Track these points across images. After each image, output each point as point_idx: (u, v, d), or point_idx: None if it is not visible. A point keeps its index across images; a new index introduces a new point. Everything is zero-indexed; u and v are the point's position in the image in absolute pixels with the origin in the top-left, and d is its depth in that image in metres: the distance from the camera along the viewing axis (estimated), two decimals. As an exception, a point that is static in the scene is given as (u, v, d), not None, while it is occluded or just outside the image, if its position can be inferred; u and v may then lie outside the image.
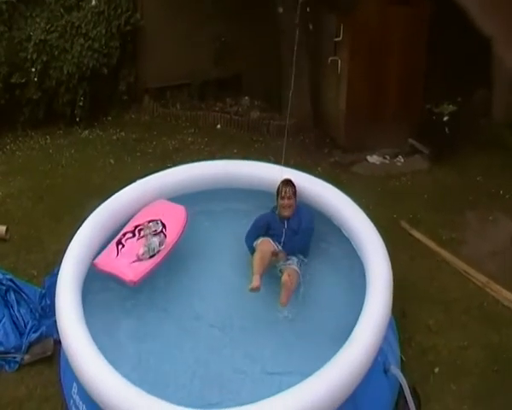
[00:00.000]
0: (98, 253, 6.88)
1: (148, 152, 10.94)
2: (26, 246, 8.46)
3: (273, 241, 7.04)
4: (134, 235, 7.00)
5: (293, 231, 7.10)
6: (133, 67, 12.09)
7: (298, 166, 7.96)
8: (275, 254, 6.94)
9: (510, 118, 10.59)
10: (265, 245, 6.97)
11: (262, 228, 7.19)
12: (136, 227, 7.08)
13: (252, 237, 7.15)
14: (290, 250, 7.02)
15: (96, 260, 6.74)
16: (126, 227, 7.14)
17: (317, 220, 7.25)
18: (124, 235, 7.04)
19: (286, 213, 7.17)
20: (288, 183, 7.23)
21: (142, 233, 6.95)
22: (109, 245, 6.97)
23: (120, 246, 6.92)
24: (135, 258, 6.74)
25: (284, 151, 7.45)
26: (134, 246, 6.88)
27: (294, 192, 7.21)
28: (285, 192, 7.17)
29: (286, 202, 7.15)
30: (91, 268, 6.66)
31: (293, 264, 6.88)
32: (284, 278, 6.60)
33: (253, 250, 7.03)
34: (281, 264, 6.92)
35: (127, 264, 6.70)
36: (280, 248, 7.01)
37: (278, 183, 7.25)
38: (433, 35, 10.31)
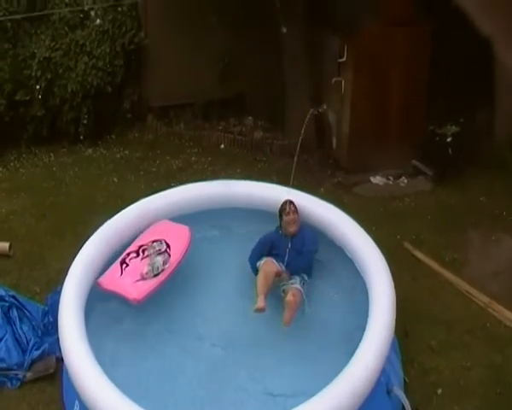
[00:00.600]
0: (101, 271, 6.89)
1: (151, 171, 10.95)
2: (29, 263, 8.46)
3: (276, 261, 7.04)
4: (138, 255, 7.01)
5: (297, 250, 7.09)
6: (137, 85, 12.15)
7: (301, 187, 7.96)
8: (278, 274, 6.94)
9: (512, 138, 10.62)
10: (269, 266, 6.96)
11: (266, 247, 7.19)
12: (140, 247, 7.08)
13: (255, 256, 7.15)
14: (293, 270, 7.01)
15: (100, 280, 6.75)
16: (130, 247, 7.14)
17: (320, 241, 7.24)
18: (128, 255, 7.05)
19: (292, 228, 7.15)
20: (288, 201, 7.25)
21: (146, 253, 6.97)
22: (113, 265, 6.97)
23: (124, 265, 6.92)
24: (139, 277, 6.75)
25: (293, 172, 7.46)
26: (138, 265, 6.88)
27: (296, 208, 7.21)
28: (289, 208, 7.17)
29: (291, 216, 7.15)
30: (94, 287, 6.66)
31: (296, 283, 6.87)
32: (289, 298, 6.60)
33: (256, 271, 7.03)
34: (284, 284, 6.92)
35: (131, 283, 6.70)
36: (283, 267, 7.02)
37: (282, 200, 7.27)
38: (435, 56, 10.34)
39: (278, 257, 7.08)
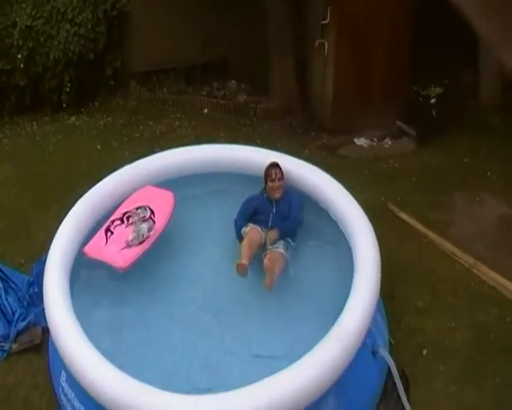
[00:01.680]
0: (85, 239, 6.88)
1: (135, 137, 10.91)
2: (13, 234, 8.44)
3: (260, 227, 7.04)
4: (122, 222, 7.01)
5: (281, 215, 7.09)
6: (119, 52, 12.03)
7: (285, 149, 7.96)
8: (262, 244, 6.96)
9: (497, 100, 10.61)
10: (253, 233, 6.96)
11: (250, 210, 7.17)
12: (124, 214, 7.07)
13: (240, 221, 7.14)
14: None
15: (86, 248, 6.74)
16: (114, 214, 7.13)
17: (305, 203, 7.25)
18: (112, 222, 7.04)
19: (277, 194, 7.14)
20: (275, 165, 7.20)
21: (130, 220, 6.95)
22: (98, 233, 6.96)
23: (109, 233, 6.92)
24: (124, 245, 6.75)
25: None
26: (123, 233, 6.88)
27: (282, 174, 7.18)
28: (275, 174, 7.13)
29: (277, 183, 7.13)
30: (78, 255, 6.66)
31: (279, 247, 6.88)
32: (265, 262, 6.63)
33: (240, 237, 7.05)
34: (267, 247, 6.93)
35: (116, 251, 6.71)
36: (265, 233, 7.03)
37: (265, 166, 7.24)
38: (419, 17, 10.29)
39: (262, 222, 7.08)
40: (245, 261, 6.53)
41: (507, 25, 1.21)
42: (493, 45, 1.28)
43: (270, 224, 7.04)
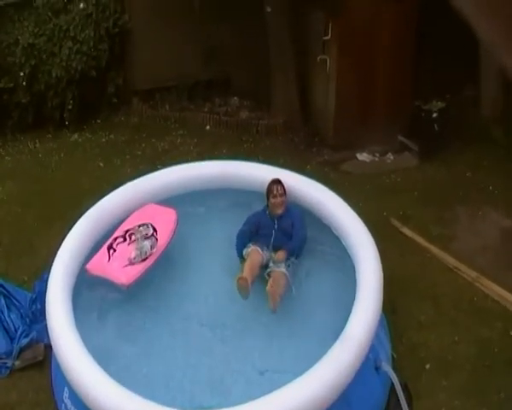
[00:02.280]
0: (88, 257, 6.89)
1: (137, 154, 10.92)
2: (17, 251, 8.46)
3: (262, 246, 7.04)
4: (125, 239, 7.00)
5: (284, 231, 7.10)
6: (122, 69, 12.06)
7: (287, 165, 7.98)
8: (264, 264, 6.97)
9: (498, 113, 10.61)
10: (255, 255, 6.95)
11: (253, 228, 7.17)
12: (126, 232, 7.07)
13: (242, 239, 7.14)
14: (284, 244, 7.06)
15: (88, 265, 6.74)
16: (117, 232, 7.13)
17: (307, 219, 7.26)
18: (115, 239, 7.04)
19: (279, 210, 7.14)
20: (277, 181, 7.21)
21: (132, 237, 6.96)
22: (100, 250, 6.95)
23: (112, 251, 6.91)
24: (127, 262, 6.74)
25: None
26: (125, 250, 6.88)
27: (284, 190, 7.18)
28: (277, 190, 7.14)
29: (278, 200, 7.13)
30: (81, 272, 6.66)
31: (281, 267, 6.87)
32: (268, 288, 6.57)
33: (242, 257, 7.06)
34: (270, 266, 6.93)
35: (119, 268, 6.70)
36: (269, 252, 7.04)
37: (267, 182, 7.23)
38: (421, 32, 10.32)
39: (264, 239, 7.08)
40: (245, 274, 6.54)
41: (507, 27, 1.22)
42: (494, 48, 1.29)
43: (272, 241, 7.04)
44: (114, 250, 6.91)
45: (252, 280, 6.60)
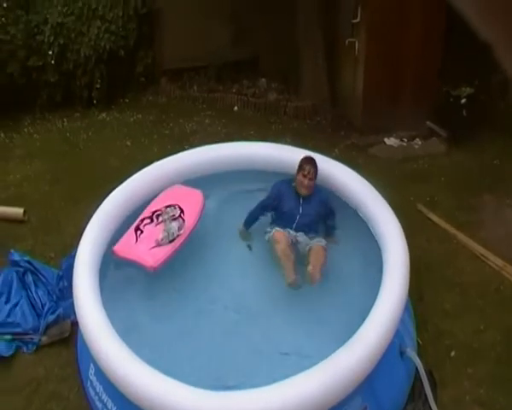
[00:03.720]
0: (115, 235, 6.90)
1: (165, 134, 10.94)
2: (44, 228, 8.50)
3: (284, 229, 7.02)
4: (152, 221, 6.98)
5: (307, 218, 7.07)
6: (150, 49, 12.10)
7: (315, 148, 7.93)
8: (294, 243, 6.96)
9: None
10: (281, 238, 6.89)
11: (276, 202, 7.14)
12: (153, 213, 7.05)
13: (259, 211, 7.20)
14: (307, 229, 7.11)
15: (115, 247, 6.73)
16: (144, 213, 7.12)
17: (335, 203, 7.27)
18: (142, 221, 7.02)
19: (304, 191, 7.04)
20: (312, 161, 7.05)
21: (160, 219, 6.93)
22: (127, 231, 6.94)
23: (139, 232, 6.89)
24: (154, 244, 6.71)
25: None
26: (153, 232, 6.87)
27: (316, 173, 7.06)
28: (308, 171, 6.99)
29: (307, 182, 6.99)
30: (108, 250, 6.68)
31: (321, 241, 6.93)
32: (309, 270, 6.57)
33: (250, 223, 7.17)
34: (309, 243, 6.95)
35: (147, 250, 6.67)
36: (292, 232, 7.03)
37: (297, 162, 7.12)
38: (450, 16, 10.22)
39: (287, 221, 7.06)
40: (292, 276, 6.53)
41: (507, 32, 1.20)
42: (496, 50, 1.27)
43: (294, 226, 7.04)
44: (142, 232, 6.90)
45: (295, 271, 6.61)
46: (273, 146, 8.08)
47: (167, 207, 7.02)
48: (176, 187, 7.46)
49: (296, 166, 7.08)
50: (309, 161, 7.07)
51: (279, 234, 6.91)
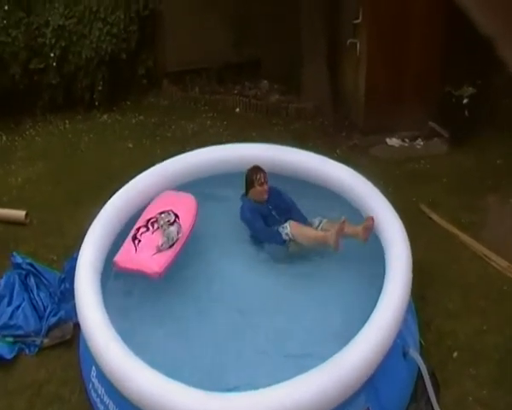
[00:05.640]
0: (117, 237, 6.90)
1: (167, 136, 10.93)
2: (46, 231, 8.49)
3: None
4: (148, 228, 6.92)
5: (281, 208, 7.21)
6: (152, 51, 12.09)
7: (316, 149, 7.94)
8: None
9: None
10: (304, 228, 7.05)
11: (262, 219, 7.19)
12: (148, 221, 7.00)
13: (270, 230, 7.16)
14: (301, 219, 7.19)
15: (116, 259, 6.66)
16: (138, 222, 7.06)
17: (336, 203, 7.31)
18: (138, 230, 6.96)
19: (265, 196, 7.20)
20: (258, 168, 7.23)
21: (155, 226, 6.89)
22: (125, 242, 6.87)
23: (137, 241, 6.83)
24: (155, 250, 6.67)
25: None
26: (151, 239, 6.82)
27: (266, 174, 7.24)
28: (263, 178, 7.17)
29: (265, 187, 7.17)
30: (110, 252, 6.67)
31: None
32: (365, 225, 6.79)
33: (284, 241, 7.04)
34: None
35: (148, 257, 6.62)
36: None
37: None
38: (452, 15, 10.20)
39: (275, 220, 7.15)
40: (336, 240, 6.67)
41: (507, 28, 1.19)
42: (496, 45, 1.26)
43: (281, 219, 7.13)
44: (139, 241, 6.82)
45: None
46: (274, 148, 8.06)
47: (161, 213, 6.98)
48: (166, 193, 7.44)
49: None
50: (256, 169, 7.22)
51: (295, 223, 7.02)
